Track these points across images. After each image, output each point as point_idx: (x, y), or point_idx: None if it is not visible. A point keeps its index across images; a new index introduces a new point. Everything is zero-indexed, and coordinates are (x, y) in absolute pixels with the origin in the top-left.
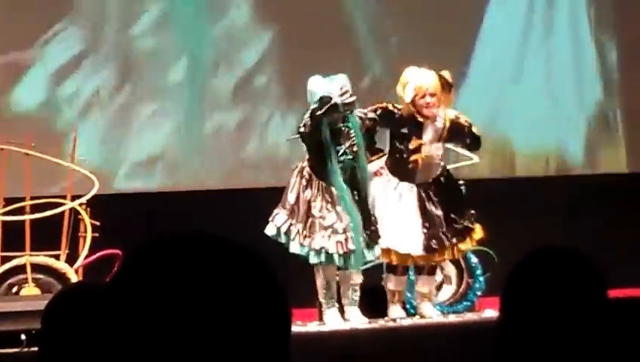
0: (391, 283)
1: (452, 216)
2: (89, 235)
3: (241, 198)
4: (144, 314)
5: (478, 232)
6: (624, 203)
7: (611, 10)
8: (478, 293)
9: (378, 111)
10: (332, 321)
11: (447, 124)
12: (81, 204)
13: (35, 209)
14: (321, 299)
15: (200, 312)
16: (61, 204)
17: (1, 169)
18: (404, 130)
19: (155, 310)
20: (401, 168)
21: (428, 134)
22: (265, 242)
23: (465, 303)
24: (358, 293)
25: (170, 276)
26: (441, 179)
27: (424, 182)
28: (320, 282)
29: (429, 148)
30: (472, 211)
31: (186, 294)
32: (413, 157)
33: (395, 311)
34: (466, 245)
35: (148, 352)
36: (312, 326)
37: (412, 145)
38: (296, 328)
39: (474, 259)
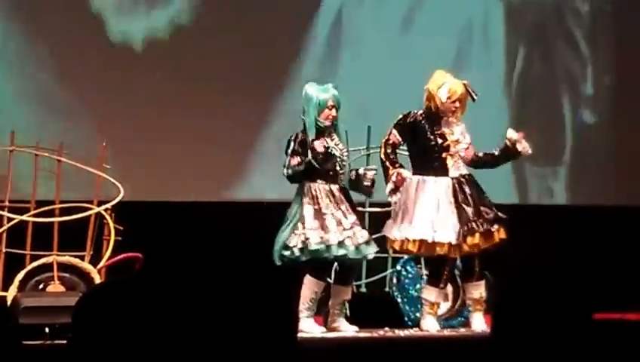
0: (431, 295)
1: (482, 208)
2: (112, 238)
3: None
4: (165, 309)
5: (503, 232)
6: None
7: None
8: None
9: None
10: (310, 329)
11: (465, 134)
12: (106, 210)
13: (63, 212)
14: (302, 309)
15: (213, 313)
16: (88, 209)
17: (35, 174)
18: (436, 128)
19: (174, 306)
20: (430, 164)
21: (456, 133)
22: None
23: (459, 319)
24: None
25: (189, 276)
26: (467, 176)
27: (455, 176)
28: (308, 293)
29: (457, 145)
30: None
31: (201, 294)
32: (445, 153)
33: (430, 323)
34: (499, 235)
35: (166, 344)
36: (317, 333)
37: (443, 141)
38: (302, 335)
39: None
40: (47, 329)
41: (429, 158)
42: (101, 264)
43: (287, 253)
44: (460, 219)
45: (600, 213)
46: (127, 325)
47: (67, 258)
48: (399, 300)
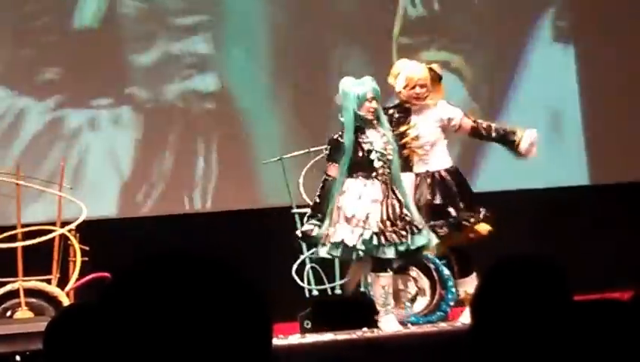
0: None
1: (448, 209)
2: (79, 260)
3: (227, 220)
4: (134, 330)
5: (482, 227)
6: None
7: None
8: (451, 304)
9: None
10: (387, 326)
11: (444, 116)
12: (70, 230)
13: (26, 236)
14: (378, 307)
15: (186, 327)
16: (51, 231)
17: None
18: (404, 121)
19: (144, 325)
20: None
21: (418, 122)
22: (248, 259)
23: (439, 313)
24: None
25: (158, 293)
26: (443, 173)
27: (422, 171)
28: (377, 290)
29: (420, 135)
30: (482, 210)
31: (172, 311)
32: (405, 150)
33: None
34: (452, 239)
35: None
36: (294, 339)
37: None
38: (278, 341)
39: (446, 271)
40: (17, 358)
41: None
42: (69, 286)
43: (338, 250)
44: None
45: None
46: (99, 348)
47: (33, 283)
48: None
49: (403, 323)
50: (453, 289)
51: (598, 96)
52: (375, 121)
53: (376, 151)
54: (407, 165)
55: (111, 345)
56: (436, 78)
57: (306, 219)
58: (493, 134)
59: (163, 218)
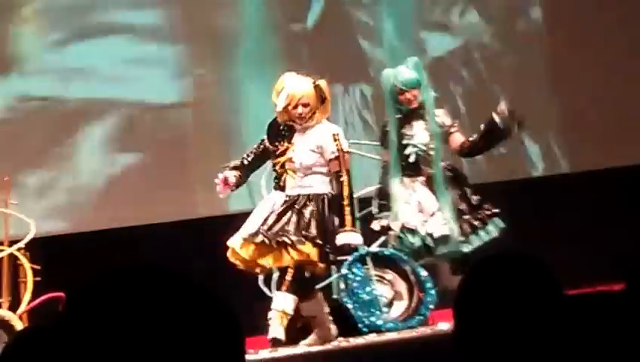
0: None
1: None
2: (30, 280)
3: (178, 231)
4: (95, 351)
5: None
6: (565, 204)
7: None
8: (431, 306)
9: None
10: None
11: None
12: (19, 249)
13: None
14: None
15: (148, 343)
16: None
17: None
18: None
19: (105, 345)
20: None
21: (297, 147)
22: (214, 272)
23: (418, 317)
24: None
25: (115, 309)
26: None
27: (291, 194)
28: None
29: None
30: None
31: (132, 325)
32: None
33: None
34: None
35: None
36: (264, 354)
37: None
38: (249, 356)
39: (423, 273)
40: None
41: (274, 173)
42: (21, 309)
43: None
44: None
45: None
46: None
47: None
48: (350, 306)
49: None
50: (432, 291)
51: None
52: (419, 112)
53: (412, 146)
54: (280, 185)
55: None
56: (323, 96)
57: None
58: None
59: (114, 231)
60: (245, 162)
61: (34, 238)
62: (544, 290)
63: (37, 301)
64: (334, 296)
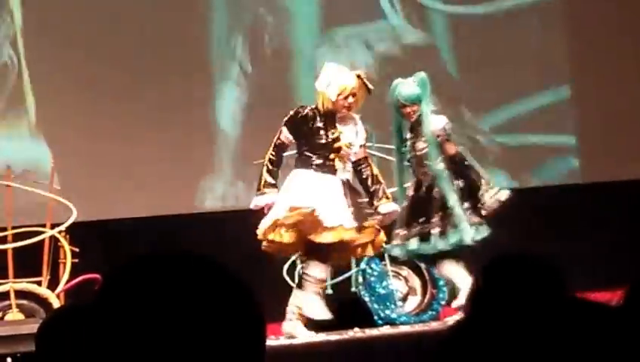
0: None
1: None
2: (69, 261)
3: (214, 221)
4: (126, 331)
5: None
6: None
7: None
8: (442, 303)
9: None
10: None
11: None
12: (60, 232)
13: (16, 238)
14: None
15: (178, 327)
16: (41, 233)
17: None
18: (330, 127)
19: (135, 327)
20: (316, 163)
21: (348, 134)
22: (236, 259)
23: (430, 313)
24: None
25: (148, 293)
26: (348, 182)
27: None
28: None
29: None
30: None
31: (164, 311)
32: (334, 154)
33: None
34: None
35: None
36: (285, 340)
37: (334, 142)
38: (270, 342)
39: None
40: (9, 359)
41: (317, 158)
42: (59, 288)
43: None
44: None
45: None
46: (91, 349)
47: (24, 284)
48: (367, 299)
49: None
50: (445, 289)
51: (591, 93)
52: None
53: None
54: (330, 170)
55: (103, 347)
56: (362, 89)
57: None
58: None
59: (153, 219)
60: (276, 167)
61: (75, 222)
62: (552, 290)
63: (74, 281)
64: (353, 289)
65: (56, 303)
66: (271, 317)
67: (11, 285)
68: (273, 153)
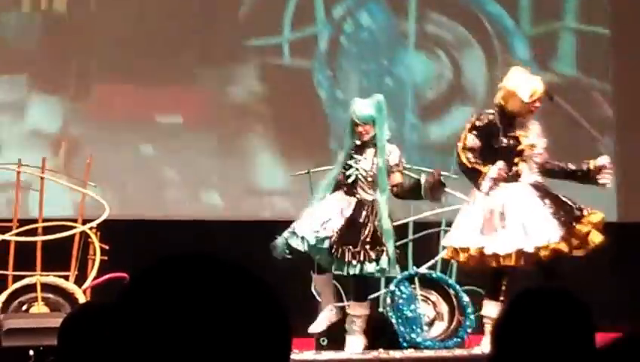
0: (491, 310)
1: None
2: (98, 258)
3: (248, 228)
4: (149, 331)
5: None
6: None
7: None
8: (469, 330)
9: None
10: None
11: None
12: (91, 228)
13: (46, 231)
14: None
15: (203, 330)
16: (72, 227)
17: (17, 192)
18: (511, 130)
19: (159, 328)
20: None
21: (531, 136)
22: (263, 271)
23: (455, 339)
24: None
25: (175, 295)
26: (541, 184)
27: (530, 183)
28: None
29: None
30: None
31: (189, 312)
32: (518, 158)
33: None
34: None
35: None
36: (309, 355)
37: (517, 144)
38: (294, 356)
39: (465, 298)
40: (31, 352)
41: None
42: (86, 284)
43: None
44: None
45: None
46: (113, 347)
47: (51, 278)
48: (394, 321)
49: None
50: (472, 317)
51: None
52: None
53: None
54: (516, 174)
55: (125, 345)
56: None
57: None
58: (568, 167)
59: (185, 222)
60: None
61: (106, 220)
62: (580, 330)
63: (102, 278)
64: (380, 309)
65: (82, 299)
66: (295, 332)
67: (38, 278)
68: (467, 156)
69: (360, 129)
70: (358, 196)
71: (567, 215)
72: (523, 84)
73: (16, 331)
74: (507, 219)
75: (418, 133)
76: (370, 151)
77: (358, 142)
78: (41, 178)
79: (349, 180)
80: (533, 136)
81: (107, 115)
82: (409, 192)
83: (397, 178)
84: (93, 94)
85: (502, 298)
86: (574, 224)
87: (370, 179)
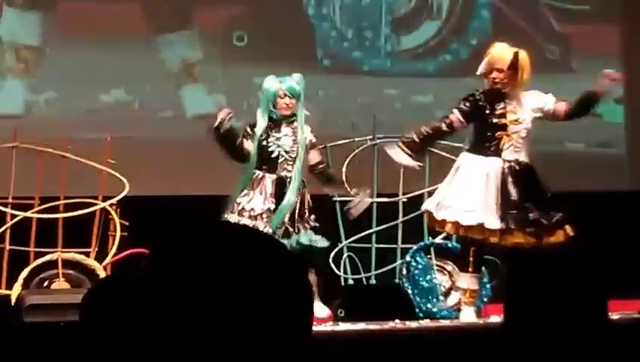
0: (464, 282)
1: (533, 205)
2: (118, 234)
3: None
4: (174, 303)
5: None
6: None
7: None
8: (485, 300)
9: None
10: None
11: (541, 105)
12: (111, 205)
13: (68, 208)
14: None
15: (226, 300)
16: (93, 204)
17: (39, 170)
18: (497, 105)
19: (184, 298)
20: (482, 143)
21: (519, 111)
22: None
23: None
24: None
25: (198, 265)
26: (525, 164)
27: (509, 159)
28: None
29: (517, 125)
30: (560, 214)
31: (213, 282)
32: (500, 132)
33: (467, 315)
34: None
35: (178, 338)
36: (327, 327)
37: (499, 120)
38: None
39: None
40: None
41: (482, 137)
42: (107, 260)
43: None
44: (503, 206)
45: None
46: (136, 321)
47: (72, 254)
48: (410, 291)
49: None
50: (488, 286)
51: None
52: (289, 119)
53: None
54: (496, 149)
55: (148, 319)
56: (522, 66)
57: None
58: (581, 101)
59: (205, 198)
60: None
61: (126, 196)
62: (589, 290)
63: (122, 254)
64: (396, 280)
65: (102, 275)
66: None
67: (59, 254)
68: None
69: (287, 102)
70: (279, 174)
71: (527, 212)
72: (487, 56)
73: (38, 307)
74: (470, 189)
75: (391, 42)
76: (287, 128)
77: (275, 117)
78: (63, 156)
79: (272, 156)
80: (521, 111)
81: None
82: (328, 179)
83: (316, 156)
84: None
85: (471, 269)
86: (533, 230)
87: (292, 155)
